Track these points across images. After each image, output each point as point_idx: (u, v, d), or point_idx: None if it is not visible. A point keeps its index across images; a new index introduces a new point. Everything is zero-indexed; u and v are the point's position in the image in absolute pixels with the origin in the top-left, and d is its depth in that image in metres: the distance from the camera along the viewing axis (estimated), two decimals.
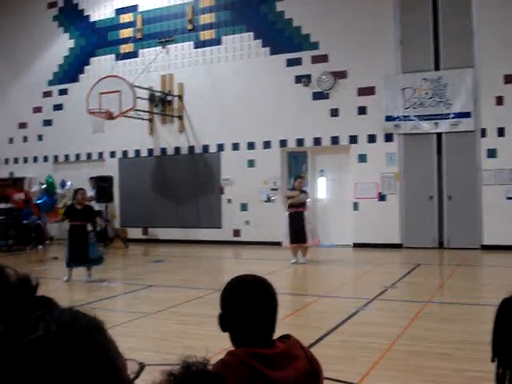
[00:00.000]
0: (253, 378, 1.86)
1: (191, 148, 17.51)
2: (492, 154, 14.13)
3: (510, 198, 13.97)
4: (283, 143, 16.27)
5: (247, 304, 2.00)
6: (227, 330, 2.05)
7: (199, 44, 17.38)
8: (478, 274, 11.77)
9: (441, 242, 14.60)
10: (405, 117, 14.84)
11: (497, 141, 14.10)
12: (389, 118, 14.99)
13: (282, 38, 16.20)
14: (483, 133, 14.23)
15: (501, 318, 1.55)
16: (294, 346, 2.02)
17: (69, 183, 18.42)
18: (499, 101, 14.04)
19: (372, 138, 15.26)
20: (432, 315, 7.41)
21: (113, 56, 18.61)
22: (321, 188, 16.35)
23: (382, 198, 15.18)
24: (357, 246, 15.16)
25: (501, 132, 14.07)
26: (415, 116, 14.74)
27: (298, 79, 15.96)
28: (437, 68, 14.67)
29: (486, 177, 14.17)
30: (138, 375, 0.98)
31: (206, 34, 17.29)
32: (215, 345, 5.82)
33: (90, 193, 15.97)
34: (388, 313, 7.74)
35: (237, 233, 16.73)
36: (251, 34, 16.62)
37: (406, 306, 8.20)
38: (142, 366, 1.00)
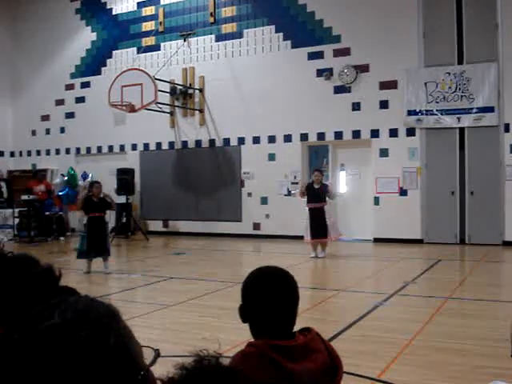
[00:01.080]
0: (272, 370, 1.87)
1: (212, 141, 17.54)
2: None
3: None
4: (304, 137, 16.23)
5: (268, 295, 2.00)
6: (247, 320, 2.05)
7: (220, 37, 17.39)
8: (500, 270, 11.66)
9: (462, 238, 14.48)
10: (427, 111, 14.72)
11: None
12: (411, 113, 14.87)
13: (303, 31, 16.14)
14: (507, 128, 14.07)
15: None
16: (314, 339, 2.02)
17: (90, 175, 18.59)
18: None
19: (394, 133, 15.15)
20: (452, 311, 7.36)
21: (135, 49, 18.69)
22: (342, 182, 16.29)
23: (403, 192, 15.09)
24: (377, 240, 15.10)
25: None
26: (438, 110, 14.61)
27: (320, 73, 15.89)
28: (460, 62, 14.51)
29: (509, 172, 14.02)
30: (153, 362, 0.99)
31: (228, 28, 17.29)
32: (234, 337, 5.86)
33: None
34: (408, 308, 7.71)
35: (257, 226, 16.74)
36: (272, 27, 16.58)
37: (426, 302, 8.15)
38: (157, 353, 1.01)
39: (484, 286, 9.11)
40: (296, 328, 2.06)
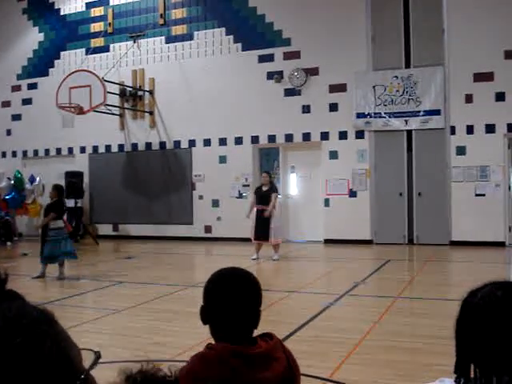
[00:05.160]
0: (229, 376, 1.84)
1: (162, 144, 17.42)
2: (461, 151, 14.32)
3: (478, 195, 14.18)
4: (255, 139, 16.28)
5: (231, 297, 1.96)
6: (208, 322, 2.01)
7: (171, 39, 17.29)
8: (447, 269, 11.92)
9: (410, 238, 14.76)
10: (375, 114, 14.95)
11: (466, 138, 14.29)
12: (360, 115, 15.08)
13: (254, 33, 16.19)
14: (452, 130, 14.41)
15: (462, 313, 1.57)
16: (276, 347, 1.99)
17: (38, 179, 18.21)
18: (468, 99, 14.23)
19: (343, 135, 15.34)
20: (401, 310, 7.49)
21: (83, 50, 18.42)
22: (292, 184, 16.40)
23: (352, 194, 15.28)
24: (328, 242, 15.24)
25: (470, 130, 14.26)
26: (386, 113, 14.86)
27: (270, 75, 15.97)
28: (407, 66, 14.80)
29: (455, 174, 14.36)
30: (94, 365, 0.97)
31: (178, 29, 17.21)
32: (185, 341, 5.83)
33: None
34: (358, 308, 7.80)
35: (208, 229, 16.70)
36: (223, 29, 16.58)
37: (375, 302, 8.27)
38: (98, 356, 0.99)
39: (432, 285, 9.30)
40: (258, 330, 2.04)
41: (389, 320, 6.85)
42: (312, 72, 15.58)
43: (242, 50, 16.37)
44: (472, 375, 1.52)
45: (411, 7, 14.72)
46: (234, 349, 1.88)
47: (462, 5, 14.14)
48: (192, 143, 17.01)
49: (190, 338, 5.85)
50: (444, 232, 14.38)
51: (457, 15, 14.19)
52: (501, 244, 13.87)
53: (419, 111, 14.58)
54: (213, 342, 1.99)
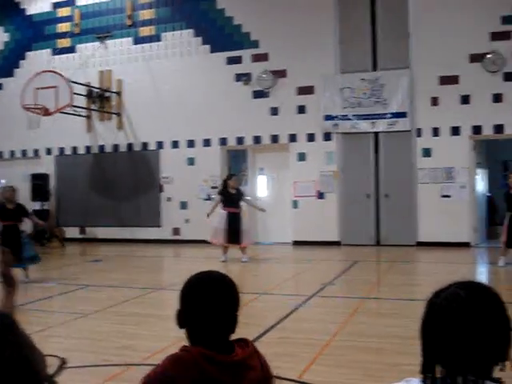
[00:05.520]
0: (203, 382, 1.83)
1: (130, 145, 17.30)
2: (427, 153, 14.51)
3: (444, 197, 14.38)
4: (223, 141, 16.27)
5: (209, 301, 1.93)
6: (185, 326, 2.00)
7: (138, 40, 17.18)
8: (413, 270, 12.06)
9: (378, 240, 14.90)
10: (343, 116, 15.07)
11: (432, 140, 14.48)
12: (328, 118, 15.18)
13: (222, 35, 16.18)
14: (419, 133, 14.60)
15: (427, 313, 1.59)
16: (252, 355, 1.98)
17: (3, 181, 17.90)
18: (434, 101, 14.43)
19: (311, 137, 15.42)
20: (369, 311, 7.56)
21: (49, 51, 18.19)
22: (261, 186, 16.42)
23: (320, 196, 15.37)
24: (296, 243, 15.30)
25: (435, 132, 14.46)
26: (353, 115, 14.98)
27: (238, 77, 15.98)
28: (374, 69, 14.95)
29: (421, 175, 14.54)
30: (58, 371, 0.96)
31: (146, 30, 17.11)
32: (154, 344, 5.80)
33: None
34: (327, 309, 7.85)
35: (176, 231, 16.63)
36: (191, 31, 16.54)
37: (344, 303, 8.33)
38: (63, 362, 0.98)
39: (399, 286, 9.41)
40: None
41: (356, 321, 6.91)
42: (280, 74, 15.63)
43: (211, 52, 16.35)
44: (438, 375, 1.54)
45: (378, 11, 14.88)
46: (211, 355, 1.86)
47: (427, 9, 14.34)
48: (160, 145, 16.92)
49: (159, 341, 5.81)
50: (411, 233, 14.55)
51: (423, 19, 14.39)
52: (466, 244, 14.09)
53: (386, 114, 14.73)
54: (187, 345, 1.97)
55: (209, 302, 1.93)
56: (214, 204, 12.85)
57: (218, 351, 1.89)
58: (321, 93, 15.22)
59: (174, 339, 4.80)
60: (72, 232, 17.74)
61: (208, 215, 12.65)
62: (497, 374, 1.54)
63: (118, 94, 17.32)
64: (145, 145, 17.12)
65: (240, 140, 16.13)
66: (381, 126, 14.81)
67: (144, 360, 5.23)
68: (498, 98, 13.97)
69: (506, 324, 1.51)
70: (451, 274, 9.96)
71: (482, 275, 10.96)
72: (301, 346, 5.83)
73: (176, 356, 1.89)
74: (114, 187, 17.20)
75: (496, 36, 13.93)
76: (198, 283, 2.00)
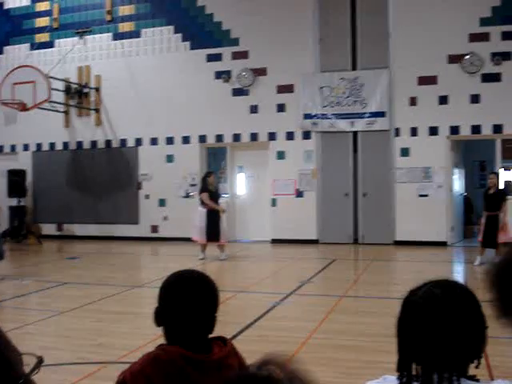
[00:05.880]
0: (180, 381, 1.82)
1: (108, 142, 17.18)
2: (405, 152, 14.62)
3: (421, 196, 14.50)
4: (202, 139, 16.23)
5: (188, 300, 1.93)
6: (163, 324, 1.98)
7: (118, 36, 17.07)
8: (391, 268, 12.15)
9: (356, 238, 14.98)
10: (322, 115, 15.11)
11: (410, 140, 14.59)
12: (307, 116, 15.22)
13: (202, 32, 16.13)
14: (397, 132, 14.69)
15: (403, 312, 1.60)
16: (230, 354, 1.97)
17: None
18: (413, 101, 14.53)
19: (290, 136, 15.45)
20: (346, 309, 7.60)
21: (27, 45, 17.99)
22: (240, 184, 16.42)
23: (299, 194, 15.41)
24: (275, 241, 15.32)
25: (414, 132, 14.57)
26: (332, 114, 15.04)
27: (218, 75, 15.95)
28: (354, 68, 15.01)
29: (399, 175, 14.64)
30: (34, 369, 0.94)
31: (125, 26, 16.99)
32: (132, 342, 5.77)
33: None
34: (304, 307, 7.87)
35: (154, 229, 16.56)
36: (171, 27, 16.46)
37: (321, 301, 8.36)
38: (40, 360, 0.96)
39: (376, 284, 9.47)
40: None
41: (334, 319, 6.94)
42: (260, 72, 15.63)
43: (190, 49, 16.29)
44: (414, 373, 1.55)
45: (358, 11, 14.94)
46: (189, 355, 1.85)
47: (407, 9, 14.43)
48: (139, 142, 16.83)
49: (136, 339, 5.79)
50: (388, 232, 14.65)
51: (402, 20, 14.48)
52: (443, 244, 14.22)
53: (365, 113, 14.80)
54: (164, 343, 1.96)
55: (187, 301, 1.92)
56: (207, 201, 12.48)
57: (196, 350, 1.88)
58: (300, 91, 15.25)
59: (152, 337, 4.78)
60: (49, 229, 17.58)
61: (221, 208, 12.50)
62: (472, 371, 1.56)
63: (97, 89, 17.19)
64: (123, 141, 17.02)
65: (219, 138, 16.11)
66: (359, 125, 14.88)
67: (121, 358, 5.20)
68: (475, 98, 14.11)
69: (480, 322, 1.52)
70: (428, 273, 10.03)
71: (458, 274, 11.07)
72: (278, 343, 5.84)
73: (153, 355, 1.88)
74: (92, 184, 17.08)
75: (474, 37, 14.07)
76: (177, 282, 1.99)
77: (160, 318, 1.96)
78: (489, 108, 13.94)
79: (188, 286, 1.96)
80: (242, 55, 15.76)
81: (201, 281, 2.01)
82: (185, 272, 2.04)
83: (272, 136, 15.61)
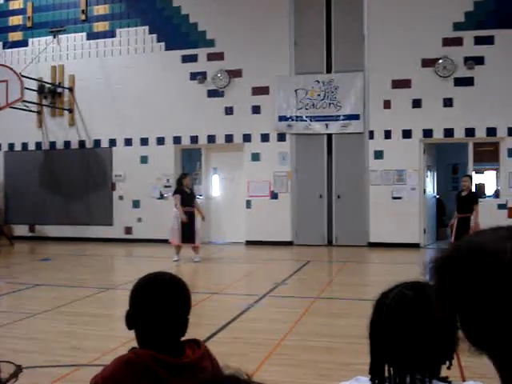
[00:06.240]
0: None
1: (82, 142, 17.02)
2: (379, 155, 14.72)
3: (395, 198, 14.62)
4: (177, 140, 16.17)
5: (160, 303, 1.91)
6: (134, 328, 1.97)
7: (92, 35, 16.93)
8: (364, 270, 12.23)
9: (330, 240, 15.05)
10: (297, 117, 15.16)
11: (383, 143, 14.70)
12: (282, 118, 15.25)
13: (177, 33, 16.08)
14: (371, 135, 14.80)
15: (375, 314, 1.61)
16: (203, 356, 1.96)
17: None
18: (387, 104, 14.65)
19: (265, 137, 15.47)
20: (321, 310, 7.63)
21: (0, 44, 17.75)
22: (214, 186, 16.39)
23: (274, 196, 15.43)
24: (249, 243, 15.32)
25: (387, 134, 14.68)
26: (307, 117, 15.10)
27: (193, 76, 15.91)
28: (329, 71, 15.09)
29: (373, 177, 14.75)
30: (12, 377, 0.93)
31: (100, 26, 16.86)
32: (104, 344, 5.72)
33: None
34: (278, 309, 7.88)
35: (128, 230, 16.45)
36: (146, 27, 16.37)
37: (295, 302, 8.38)
38: (18, 369, 0.95)
39: (350, 286, 9.52)
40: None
41: (308, 320, 6.96)
42: (235, 74, 15.63)
43: (166, 50, 16.22)
44: (386, 374, 1.56)
45: (333, 14, 15.02)
46: (161, 358, 1.84)
47: (382, 13, 14.55)
48: (113, 142, 16.71)
49: (109, 341, 5.74)
50: (362, 233, 14.74)
51: (377, 23, 14.59)
52: (416, 245, 14.36)
53: (339, 115, 14.89)
54: (136, 346, 1.95)
55: (159, 304, 1.91)
56: (178, 205, 12.45)
57: (168, 353, 1.87)
58: (275, 93, 15.28)
59: (124, 340, 4.74)
60: (21, 230, 17.35)
61: (183, 218, 12.34)
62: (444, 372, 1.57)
63: (71, 89, 17.03)
64: (97, 142, 16.88)
65: (194, 139, 16.07)
66: (334, 127, 14.96)
67: (94, 361, 5.16)
68: (448, 102, 14.28)
69: (452, 323, 1.54)
70: (401, 275, 10.11)
71: (426, 273, 11.15)
72: (252, 345, 5.84)
73: (124, 359, 1.86)
74: (65, 185, 16.90)
75: (448, 42, 14.25)
76: (149, 285, 1.98)
77: (132, 320, 1.95)
78: (461, 112, 14.11)
79: (160, 289, 1.95)
80: (218, 56, 15.74)
81: (172, 283, 1.99)
82: (156, 274, 2.03)
83: (247, 138, 15.62)
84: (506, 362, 1.07)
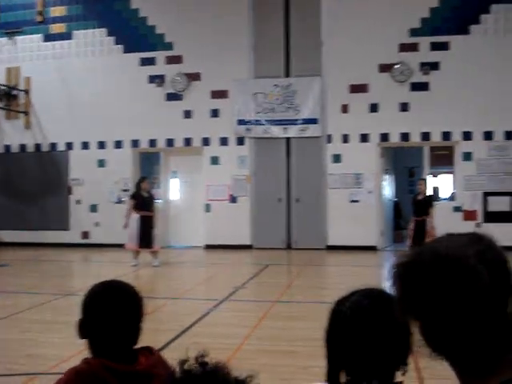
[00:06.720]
0: None
1: (38, 146, 16.74)
2: (337, 159, 14.87)
3: (352, 201, 14.78)
4: (135, 143, 16.04)
5: (111, 312, 1.90)
6: (87, 337, 1.95)
7: (49, 37, 16.66)
8: (324, 273, 12.32)
9: (289, 243, 15.12)
10: (256, 121, 15.20)
11: (341, 147, 14.86)
12: (241, 122, 15.28)
13: (136, 36, 15.95)
14: (329, 139, 14.94)
15: (331, 322, 1.63)
16: (156, 364, 1.95)
17: None
18: (344, 109, 14.81)
19: (224, 141, 15.47)
20: (280, 314, 7.65)
21: None
22: (173, 189, 16.30)
23: (233, 199, 15.44)
24: (208, 247, 15.29)
25: (345, 138, 14.84)
26: (266, 121, 15.15)
27: (152, 79, 15.81)
28: (287, 75, 15.18)
29: (331, 181, 14.88)
30: None
31: (57, 28, 16.62)
32: (61, 353, 5.63)
33: None
34: (238, 313, 7.88)
35: (86, 235, 16.23)
36: (104, 30, 16.20)
37: (255, 306, 8.39)
38: None
39: (309, 289, 9.58)
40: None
41: (267, 324, 6.98)
42: (194, 77, 15.59)
43: (124, 52, 16.08)
44: (343, 380, 1.58)
45: (292, 19, 15.12)
46: (113, 366, 1.83)
47: (340, 19, 14.70)
48: (69, 146, 16.47)
49: (66, 349, 5.65)
50: (321, 237, 14.85)
51: (335, 29, 14.74)
52: (373, 248, 14.54)
53: (297, 119, 14.98)
54: (90, 357, 1.93)
55: (111, 312, 1.90)
56: (128, 208, 12.51)
57: (121, 361, 1.86)
58: (234, 97, 15.30)
59: (82, 347, 4.66)
60: None
61: (125, 223, 12.30)
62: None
63: (26, 92, 16.73)
64: (53, 145, 16.62)
65: (152, 142, 15.96)
66: (292, 131, 15.05)
67: (50, 368, 5.07)
68: (404, 107, 14.52)
69: (406, 330, 1.56)
70: (359, 277, 10.23)
71: (387, 278, 11.31)
72: (212, 350, 5.75)
73: (76, 369, 1.85)
74: (21, 189, 16.58)
75: (404, 47, 14.49)
76: (101, 293, 1.97)
77: (84, 329, 1.93)
78: (417, 116, 14.37)
79: (111, 297, 1.95)
80: (176, 60, 15.67)
81: (124, 291, 1.99)
82: (108, 282, 2.02)
83: (206, 141, 15.59)
84: (467, 367, 1.09)
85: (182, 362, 1.13)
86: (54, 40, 16.62)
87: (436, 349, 1.11)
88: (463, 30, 14.25)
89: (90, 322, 1.92)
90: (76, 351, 5.42)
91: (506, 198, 14.14)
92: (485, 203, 14.26)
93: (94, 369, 1.81)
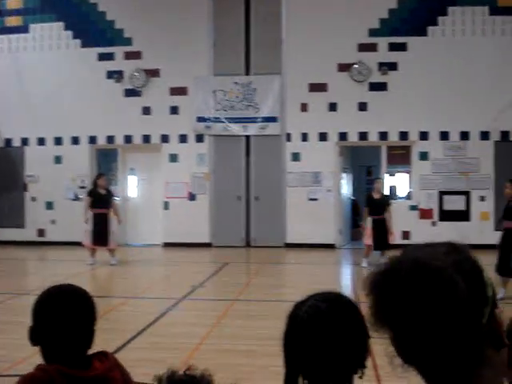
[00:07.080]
0: None
1: None
2: (296, 157, 14.93)
3: (311, 200, 14.86)
4: (92, 140, 15.81)
5: (62, 317, 1.85)
6: (38, 343, 1.90)
7: (4, 30, 16.25)
8: (282, 271, 12.36)
9: (248, 241, 15.12)
10: (215, 118, 15.15)
11: (300, 145, 14.92)
12: (200, 119, 15.20)
13: (94, 30, 15.70)
14: (288, 137, 14.99)
15: (289, 326, 1.62)
16: (112, 368, 1.92)
17: None
18: (304, 107, 14.87)
19: (183, 138, 15.38)
20: (238, 313, 7.64)
21: None
22: (131, 187, 16.12)
23: (192, 197, 15.36)
24: (167, 245, 15.18)
25: (304, 137, 14.91)
26: (225, 118, 15.11)
27: (110, 74, 15.60)
28: (247, 73, 15.16)
29: (290, 179, 14.94)
30: None
31: (12, 20, 16.23)
32: (16, 354, 5.51)
33: None
34: (196, 312, 7.85)
35: (41, 232, 15.93)
36: (61, 23, 15.90)
37: (213, 305, 8.37)
38: None
39: (268, 287, 9.60)
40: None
41: (226, 323, 6.96)
42: (153, 73, 15.44)
43: (81, 47, 15.81)
44: None
45: (252, 17, 15.10)
46: (68, 372, 1.79)
47: (299, 18, 14.75)
48: (25, 141, 16.14)
49: (20, 350, 5.52)
50: (279, 235, 14.90)
51: (295, 28, 14.79)
52: (331, 246, 14.65)
53: (257, 118, 14.99)
54: (43, 363, 1.88)
55: (62, 318, 1.86)
56: (84, 206, 12.34)
57: (75, 367, 1.83)
58: (194, 94, 15.21)
59: (37, 349, 4.57)
60: None
61: (86, 219, 12.13)
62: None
63: None
64: (8, 141, 16.25)
65: (110, 139, 15.76)
66: (252, 129, 15.05)
67: (4, 370, 4.97)
68: (363, 106, 14.66)
69: (363, 334, 1.56)
70: (318, 275, 10.31)
71: (346, 276, 11.44)
72: (169, 350, 5.78)
73: (30, 376, 1.81)
74: None
75: (363, 47, 14.62)
76: (50, 299, 1.92)
77: (35, 335, 1.88)
78: (375, 116, 14.52)
79: (63, 302, 1.91)
80: (135, 55, 15.50)
81: (76, 295, 1.95)
82: (57, 287, 1.98)
83: (165, 138, 15.47)
84: (439, 380, 1.08)
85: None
86: (10, 33, 16.23)
87: (408, 360, 1.10)
88: (421, 31, 14.46)
89: (41, 329, 1.88)
90: (30, 353, 5.31)
91: (461, 197, 14.42)
92: (440, 202, 14.52)
93: (49, 374, 1.77)
